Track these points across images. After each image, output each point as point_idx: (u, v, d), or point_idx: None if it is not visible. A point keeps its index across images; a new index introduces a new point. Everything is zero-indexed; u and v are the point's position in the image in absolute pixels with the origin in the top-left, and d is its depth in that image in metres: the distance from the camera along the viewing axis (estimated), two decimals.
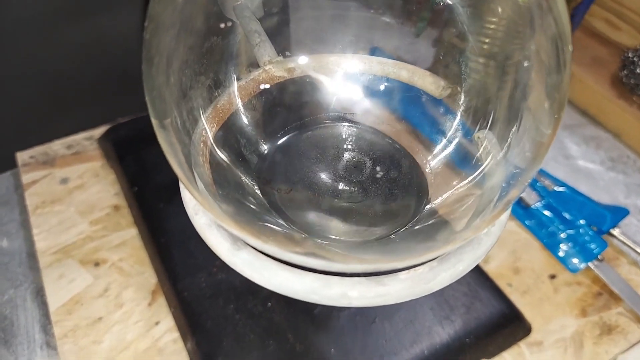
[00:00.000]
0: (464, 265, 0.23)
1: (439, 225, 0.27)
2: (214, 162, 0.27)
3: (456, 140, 0.30)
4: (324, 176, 0.30)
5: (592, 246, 0.38)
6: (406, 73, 0.31)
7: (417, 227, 0.27)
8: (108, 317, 0.34)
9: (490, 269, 0.37)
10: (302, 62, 0.31)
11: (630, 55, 0.50)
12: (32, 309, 0.37)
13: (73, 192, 0.42)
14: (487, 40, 0.28)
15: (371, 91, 0.33)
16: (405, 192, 0.30)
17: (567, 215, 0.40)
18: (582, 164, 0.47)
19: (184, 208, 0.25)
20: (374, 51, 0.32)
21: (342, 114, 0.33)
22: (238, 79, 0.30)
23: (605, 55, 0.55)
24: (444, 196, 0.29)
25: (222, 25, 0.28)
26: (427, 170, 0.31)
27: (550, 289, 0.37)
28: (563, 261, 0.38)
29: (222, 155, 0.28)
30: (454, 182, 0.29)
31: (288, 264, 0.22)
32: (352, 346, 0.31)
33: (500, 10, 0.28)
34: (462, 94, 0.30)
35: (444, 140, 0.31)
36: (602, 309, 0.35)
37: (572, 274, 0.37)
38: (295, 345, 0.31)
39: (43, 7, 0.40)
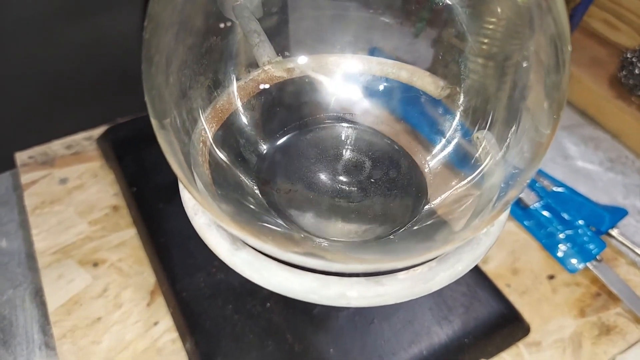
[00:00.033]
0: (463, 266, 0.23)
1: (438, 226, 0.27)
2: (214, 162, 0.27)
3: (455, 140, 0.30)
4: (323, 176, 0.30)
5: (591, 247, 0.38)
6: (405, 73, 0.31)
7: (416, 227, 0.27)
8: (107, 317, 0.34)
9: (489, 269, 0.37)
10: (301, 62, 0.31)
11: (629, 55, 0.50)
12: (31, 309, 0.37)
13: (72, 193, 0.42)
14: (486, 41, 0.28)
15: (370, 91, 0.33)
16: (404, 192, 0.30)
17: (565, 216, 0.40)
18: (580, 165, 0.47)
19: (183, 208, 0.25)
20: (373, 51, 0.32)
21: (342, 114, 0.33)
22: (237, 79, 0.30)
23: (604, 56, 0.56)
24: (443, 196, 0.29)
25: (222, 25, 0.28)
26: (426, 170, 0.31)
27: (549, 289, 0.37)
28: (562, 261, 0.38)
29: (221, 155, 0.28)
30: (453, 183, 0.29)
31: (287, 264, 0.22)
32: (350, 346, 0.31)
33: (499, 10, 0.28)
34: (461, 94, 0.30)
35: (443, 141, 0.31)
36: (601, 309, 0.36)
37: (570, 275, 0.38)
38: (294, 345, 0.31)
39: (42, 7, 0.40)
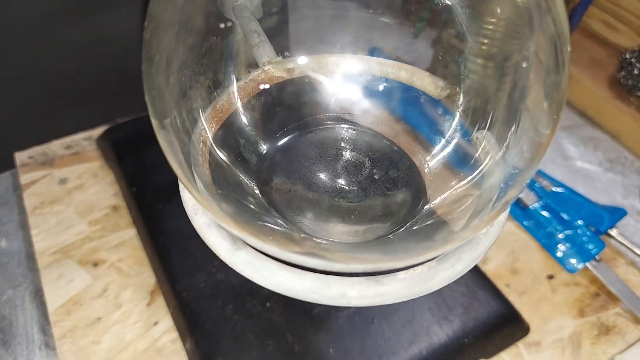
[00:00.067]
0: (462, 265, 0.23)
1: (437, 226, 0.27)
2: (214, 162, 0.27)
3: (455, 140, 0.30)
4: (323, 176, 0.30)
5: (590, 247, 0.38)
6: (405, 73, 0.31)
7: (415, 227, 0.27)
8: (107, 317, 0.34)
9: (488, 269, 0.37)
10: (301, 62, 0.31)
11: (628, 56, 0.50)
12: (31, 309, 0.37)
13: (72, 193, 0.42)
14: (485, 41, 0.28)
15: (370, 91, 0.33)
16: (403, 192, 0.30)
17: (565, 216, 0.40)
18: (580, 165, 0.47)
19: (182, 208, 0.25)
20: (373, 51, 0.32)
21: (341, 115, 0.33)
22: (237, 79, 0.30)
23: (603, 57, 0.56)
24: (443, 196, 0.29)
25: (222, 26, 0.28)
26: (425, 170, 0.31)
27: (548, 289, 0.37)
28: (561, 261, 0.38)
29: (221, 155, 0.28)
30: (453, 183, 0.29)
31: (287, 264, 0.22)
32: (350, 346, 0.31)
33: (499, 10, 0.28)
34: (461, 95, 0.30)
35: (443, 141, 0.31)
36: (600, 309, 0.36)
37: (570, 275, 0.38)
38: (294, 345, 0.31)
39: (42, 7, 0.40)
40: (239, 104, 0.30)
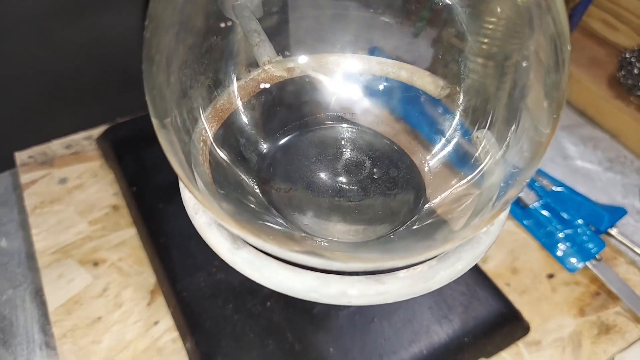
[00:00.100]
0: (463, 264, 0.23)
1: (437, 225, 0.27)
2: (214, 162, 0.27)
3: (455, 140, 0.30)
4: (323, 176, 0.30)
5: (590, 246, 0.38)
6: (405, 73, 0.31)
7: (416, 227, 0.27)
8: (107, 317, 0.34)
9: (488, 268, 0.37)
10: (301, 61, 0.31)
11: (627, 55, 0.50)
12: (31, 309, 0.37)
13: (72, 192, 0.42)
14: (485, 40, 0.28)
15: (370, 91, 0.33)
16: (404, 191, 0.30)
17: (565, 215, 0.40)
18: (579, 164, 0.47)
19: (183, 208, 0.25)
20: (373, 51, 0.32)
21: (342, 114, 0.33)
22: (238, 79, 0.30)
23: (602, 56, 0.56)
24: (443, 195, 0.29)
25: (222, 25, 0.28)
26: (425, 169, 0.31)
27: (548, 288, 0.37)
28: (561, 261, 0.38)
29: (221, 155, 0.28)
30: (453, 182, 0.29)
31: (288, 263, 0.22)
32: (350, 345, 0.31)
33: (499, 10, 0.28)
34: (461, 94, 0.30)
35: (443, 140, 0.31)
36: (600, 308, 0.36)
37: (570, 274, 0.38)
38: (294, 344, 0.31)
39: (42, 6, 0.40)
40: (239, 103, 0.30)
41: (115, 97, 0.48)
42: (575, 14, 0.56)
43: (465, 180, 0.28)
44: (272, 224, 0.26)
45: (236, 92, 0.30)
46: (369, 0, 0.30)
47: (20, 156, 0.44)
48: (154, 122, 0.23)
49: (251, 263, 0.22)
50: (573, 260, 0.38)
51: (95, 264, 0.37)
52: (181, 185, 0.26)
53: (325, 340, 0.31)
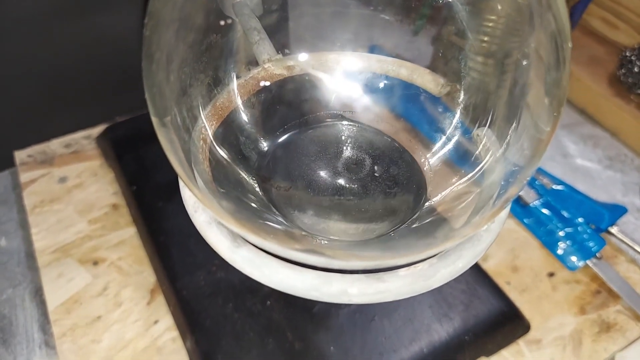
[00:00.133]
0: (463, 262, 0.23)
1: (438, 223, 0.27)
2: (214, 160, 0.27)
3: (455, 138, 0.30)
4: (323, 174, 0.30)
5: (591, 244, 0.38)
6: (405, 71, 0.31)
7: (416, 225, 0.27)
8: (107, 316, 0.34)
9: (488, 267, 0.37)
10: (301, 59, 0.31)
11: (627, 54, 0.50)
12: (31, 308, 0.37)
13: (71, 191, 0.41)
14: (486, 38, 0.28)
15: (370, 89, 0.33)
16: (404, 189, 0.30)
17: (565, 214, 0.40)
18: (580, 163, 0.47)
19: (182, 207, 0.25)
20: (373, 49, 0.32)
21: (342, 112, 0.33)
22: (237, 77, 0.30)
23: (602, 54, 0.56)
24: (443, 194, 0.29)
25: (222, 23, 0.28)
26: (426, 167, 0.31)
27: (549, 287, 0.37)
28: (561, 259, 0.38)
29: (221, 153, 0.28)
30: (453, 180, 0.29)
31: (288, 262, 0.22)
32: (351, 344, 0.31)
33: (499, 7, 0.28)
34: (462, 92, 0.30)
35: (443, 138, 0.31)
36: (601, 306, 0.36)
37: (570, 272, 0.38)
38: (295, 343, 0.31)
39: (42, 5, 0.40)
40: (239, 101, 0.30)
41: (114, 96, 0.48)
42: (575, 12, 0.56)
43: (466, 179, 0.28)
44: (272, 222, 0.26)
45: (236, 90, 0.30)
46: None
47: (20, 155, 0.44)
48: (154, 120, 0.23)
49: (251, 261, 0.22)
50: (573, 258, 0.38)
51: (95, 263, 0.36)
52: (181, 184, 0.26)
53: (325, 339, 0.31)
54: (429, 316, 0.33)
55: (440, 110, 0.31)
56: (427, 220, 0.27)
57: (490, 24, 0.28)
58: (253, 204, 0.27)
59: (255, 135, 0.31)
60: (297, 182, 0.29)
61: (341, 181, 0.29)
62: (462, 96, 0.30)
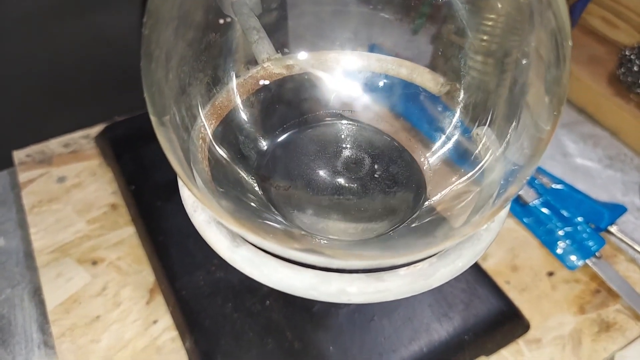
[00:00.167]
0: (463, 261, 0.23)
1: (437, 222, 0.27)
2: (213, 159, 0.27)
3: (455, 137, 0.30)
4: (323, 173, 0.30)
5: (590, 243, 0.38)
6: (405, 70, 0.31)
7: (416, 224, 0.27)
8: (106, 315, 0.34)
9: (488, 266, 0.37)
10: (300, 58, 0.31)
11: (627, 53, 0.50)
12: (30, 308, 0.37)
13: (70, 191, 0.41)
14: (485, 37, 0.28)
15: (370, 88, 0.32)
16: (403, 189, 0.29)
17: (565, 213, 0.40)
18: (579, 162, 0.47)
19: (181, 206, 0.25)
20: (372, 48, 0.32)
21: (341, 111, 0.33)
22: (236, 76, 0.30)
23: (602, 54, 0.56)
24: (443, 193, 0.29)
25: (221, 22, 0.28)
26: (425, 167, 0.30)
27: (549, 286, 0.37)
28: (561, 258, 0.38)
29: (221, 152, 0.28)
30: (453, 179, 0.29)
31: (287, 261, 0.22)
32: (350, 344, 0.31)
33: (499, 6, 0.28)
34: (461, 91, 0.30)
35: (443, 137, 0.30)
36: (600, 306, 0.36)
37: (570, 272, 0.38)
38: (294, 343, 0.31)
39: (40, 4, 0.40)
40: (238, 100, 0.30)
41: (113, 95, 0.48)
42: (574, 12, 0.56)
43: (466, 178, 0.28)
44: (272, 221, 0.26)
45: (235, 90, 0.30)
46: None
47: (18, 155, 0.44)
48: (153, 119, 0.23)
49: (250, 261, 0.22)
50: (573, 258, 0.37)
51: (94, 262, 0.36)
52: (180, 183, 0.26)
53: (324, 338, 0.31)
54: (429, 316, 0.33)
55: (439, 109, 0.31)
56: (427, 220, 0.27)
57: (490, 23, 0.28)
58: (252, 204, 0.27)
59: (254, 134, 0.31)
60: (296, 181, 0.29)
61: (340, 180, 0.29)
62: (461, 95, 0.30)
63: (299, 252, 0.21)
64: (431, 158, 0.31)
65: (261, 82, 0.30)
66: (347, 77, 0.32)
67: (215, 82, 0.29)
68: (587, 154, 0.48)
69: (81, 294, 0.35)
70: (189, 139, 0.26)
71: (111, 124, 0.46)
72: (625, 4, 0.54)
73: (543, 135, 0.24)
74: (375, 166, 0.30)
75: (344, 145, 0.31)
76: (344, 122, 0.33)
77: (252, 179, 0.29)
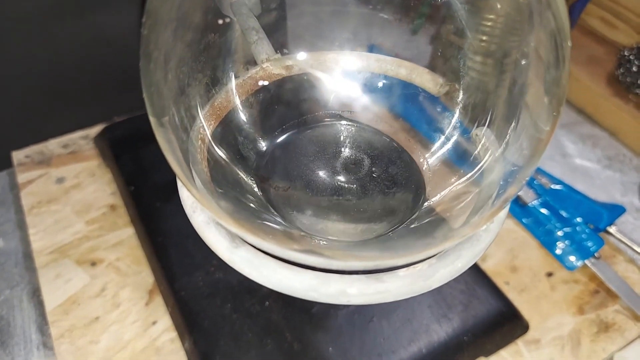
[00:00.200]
0: (463, 262, 0.23)
1: (437, 223, 0.27)
2: (212, 160, 0.27)
3: (454, 137, 0.30)
4: (322, 174, 0.30)
5: (589, 244, 0.38)
6: (404, 70, 0.31)
7: (415, 225, 0.27)
8: (105, 316, 0.33)
9: (487, 267, 0.37)
10: (299, 59, 0.31)
11: (626, 53, 0.50)
12: (29, 309, 0.37)
13: (69, 192, 0.41)
14: (485, 38, 0.28)
15: (369, 88, 0.32)
16: (403, 189, 0.29)
17: (564, 213, 0.40)
18: (578, 162, 0.47)
19: (180, 207, 0.25)
20: (371, 48, 0.32)
21: (340, 112, 0.33)
22: (236, 77, 0.30)
23: (601, 54, 0.56)
24: (442, 193, 0.29)
25: (220, 22, 0.28)
26: (424, 167, 0.30)
27: (548, 286, 0.37)
28: (560, 259, 0.38)
29: (220, 153, 0.28)
30: (452, 180, 0.29)
31: (287, 262, 0.22)
32: (350, 345, 0.31)
33: (498, 6, 0.28)
34: (461, 92, 0.30)
35: (442, 138, 0.30)
36: (599, 306, 0.36)
37: (569, 272, 0.38)
38: (293, 344, 0.31)
39: (39, 4, 0.40)
40: (237, 101, 0.30)
41: (112, 96, 0.47)
42: (573, 12, 0.56)
43: (465, 178, 0.28)
44: (271, 222, 0.26)
45: (234, 90, 0.30)
46: None
47: (17, 156, 0.44)
48: (152, 120, 0.23)
49: (250, 262, 0.22)
50: (572, 258, 0.37)
51: (93, 263, 0.36)
52: (179, 184, 0.26)
53: (324, 339, 0.31)
54: (428, 317, 0.33)
55: (439, 109, 0.31)
56: (426, 220, 0.27)
57: (490, 23, 0.28)
58: (251, 204, 0.27)
59: (253, 135, 0.31)
60: (295, 182, 0.29)
61: (340, 181, 0.29)
62: (461, 96, 0.30)
63: (298, 253, 0.21)
64: (430, 159, 0.31)
65: (260, 83, 0.30)
66: (346, 78, 0.32)
67: (215, 82, 0.29)
68: (586, 154, 0.48)
69: (80, 295, 0.35)
70: (188, 139, 0.26)
71: (110, 124, 0.46)
72: (624, 5, 0.54)
73: (542, 136, 0.24)
74: (375, 167, 0.30)
75: (343, 146, 0.31)
76: (343, 122, 0.33)
77: (251, 179, 0.29)
